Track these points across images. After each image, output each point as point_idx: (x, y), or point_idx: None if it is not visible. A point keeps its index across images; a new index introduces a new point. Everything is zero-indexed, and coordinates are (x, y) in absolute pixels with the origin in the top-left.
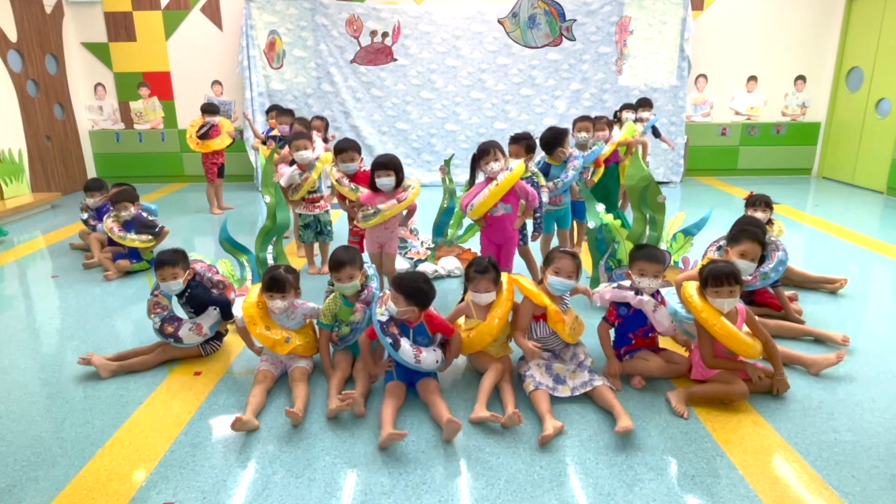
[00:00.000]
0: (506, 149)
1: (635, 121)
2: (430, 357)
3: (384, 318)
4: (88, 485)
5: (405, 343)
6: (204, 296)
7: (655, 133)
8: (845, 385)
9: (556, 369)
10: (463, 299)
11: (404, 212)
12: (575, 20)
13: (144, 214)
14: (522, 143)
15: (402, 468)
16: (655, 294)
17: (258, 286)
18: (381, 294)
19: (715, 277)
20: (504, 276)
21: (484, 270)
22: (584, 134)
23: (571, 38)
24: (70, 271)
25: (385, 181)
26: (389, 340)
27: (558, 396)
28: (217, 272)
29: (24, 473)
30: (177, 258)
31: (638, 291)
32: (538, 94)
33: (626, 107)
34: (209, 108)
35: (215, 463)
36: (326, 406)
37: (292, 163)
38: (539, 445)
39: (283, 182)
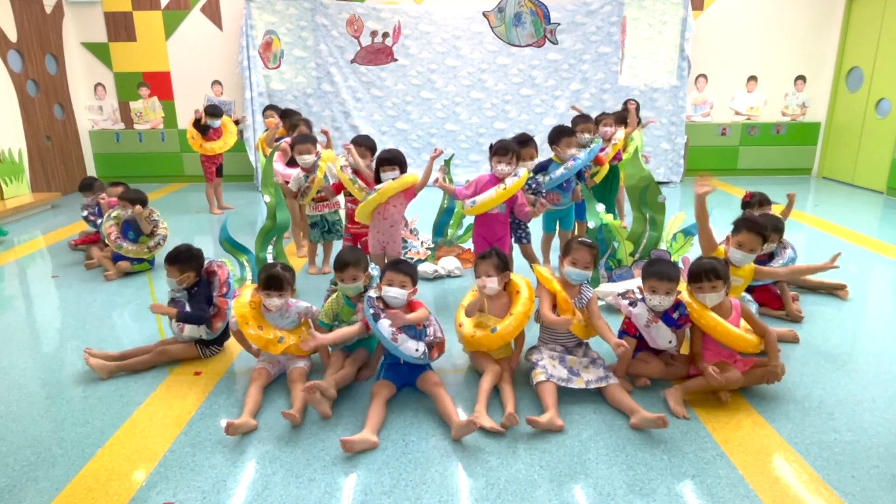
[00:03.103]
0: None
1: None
2: (409, 343)
3: (374, 295)
4: (88, 485)
5: (386, 319)
6: (202, 298)
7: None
8: (845, 385)
9: (569, 362)
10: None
11: (408, 217)
12: (559, 24)
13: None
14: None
15: (402, 468)
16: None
17: (250, 287)
18: (378, 283)
19: (694, 274)
20: (521, 280)
21: (486, 255)
22: (586, 135)
23: (554, 41)
24: (70, 271)
25: (390, 175)
26: (372, 311)
27: (571, 388)
28: (219, 290)
29: (24, 473)
30: (181, 258)
31: (633, 303)
32: (538, 94)
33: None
34: (213, 111)
35: (215, 463)
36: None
37: (288, 163)
38: (526, 422)
39: (292, 186)
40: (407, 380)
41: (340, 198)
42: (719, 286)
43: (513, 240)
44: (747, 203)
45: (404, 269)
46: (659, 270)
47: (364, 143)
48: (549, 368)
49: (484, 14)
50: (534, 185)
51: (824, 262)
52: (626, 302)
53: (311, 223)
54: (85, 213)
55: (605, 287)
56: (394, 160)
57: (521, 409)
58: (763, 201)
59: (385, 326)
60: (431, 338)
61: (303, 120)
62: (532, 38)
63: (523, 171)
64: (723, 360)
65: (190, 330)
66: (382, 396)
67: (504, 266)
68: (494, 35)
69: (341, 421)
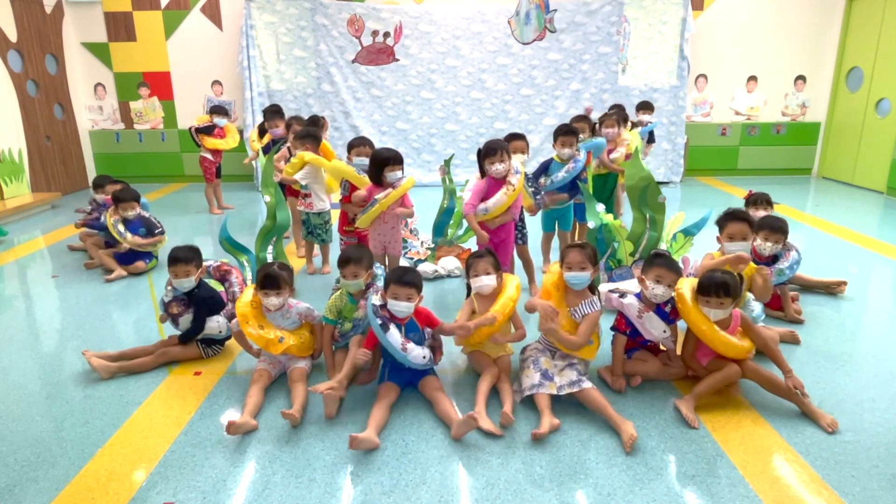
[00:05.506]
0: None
1: (635, 124)
2: (417, 350)
3: (378, 303)
4: (88, 485)
5: (394, 328)
6: (205, 298)
7: (651, 138)
8: (845, 385)
9: (543, 363)
10: (469, 295)
11: (407, 219)
12: (556, 10)
13: (147, 214)
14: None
15: (402, 468)
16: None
17: (251, 287)
18: (380, 290)
19: (703, 287)
20: (511, 279)
21: (480, 255)
22: (580, 134)
23: (553, 29)
24: (70, 271)
25: (397, 175)
26: (379, 322)
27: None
28: (240, 287)
29: (24, 473)
30: (191, 256)
31: (623, 295)
32: (538, 94)
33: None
34: (218, 110)
35: (215, 463)
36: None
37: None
38: (532, 438)
39: (299, 177)
40: (409, 381)
41: (326, 202)
42: (727, 303)
43: None
44: (748, 201)
45: (409, 281)
46: (667, 262)
47: (366, 143)
48: (523, 381)
49: (508, 21)
50: (533, 187)
51: (829, 280)
52: (616, 295)
53: (302, 220)
54: (89, 208)
55: (604, 287)
56: (399, 159)
57: (517, 410)
58: (759, 200)
59: (395, 337)
60: (430, 340)
61: (295, 118)
62: (536, 33)
63: (518, 164)
64: (718, 357)
65: (184, 325)
66: (389, 400)
67: (498, 265)
68: (514, 39)
69: (341, 421)
